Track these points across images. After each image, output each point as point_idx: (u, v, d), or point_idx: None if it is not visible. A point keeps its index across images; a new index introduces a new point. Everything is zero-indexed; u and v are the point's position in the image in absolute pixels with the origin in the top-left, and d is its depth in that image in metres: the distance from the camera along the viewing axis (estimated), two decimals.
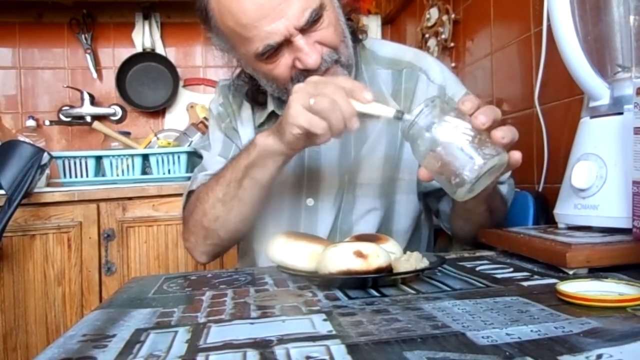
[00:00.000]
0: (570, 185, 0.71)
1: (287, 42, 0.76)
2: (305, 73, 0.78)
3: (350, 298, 0.54)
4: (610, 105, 0.69)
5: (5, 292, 1.46)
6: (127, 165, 1.64)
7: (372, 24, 2.18)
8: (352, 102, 0.66)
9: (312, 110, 0.66)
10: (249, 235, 0.94)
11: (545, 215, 0.99)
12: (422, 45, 1.76)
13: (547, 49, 1.08)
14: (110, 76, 2.10)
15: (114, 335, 0.45)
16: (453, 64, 1.60)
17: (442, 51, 1.66)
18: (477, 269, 0.66)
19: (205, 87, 2.19)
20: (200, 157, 1.02)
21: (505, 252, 0.75)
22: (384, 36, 2.22)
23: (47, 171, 1.56)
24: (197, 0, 0.82)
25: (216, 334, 0.44)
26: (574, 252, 0.59)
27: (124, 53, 2.09)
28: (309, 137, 0.69)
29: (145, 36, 2.09)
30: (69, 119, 2.06)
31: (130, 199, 1.56)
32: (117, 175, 1.64)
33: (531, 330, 0.40)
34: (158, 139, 1.88)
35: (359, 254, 0.57)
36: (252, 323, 0.47)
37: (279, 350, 0.39)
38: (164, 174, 1.64)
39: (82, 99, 2.05)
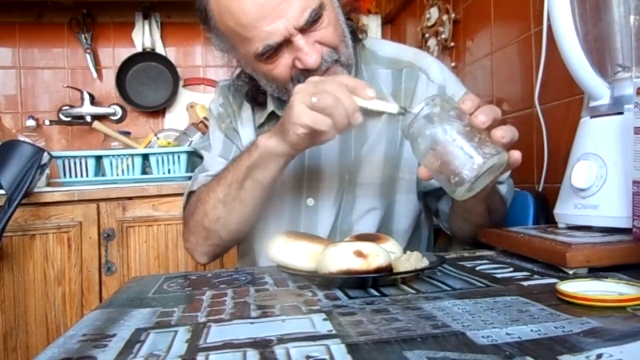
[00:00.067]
0: (570, 185, 0.71)
1: (287, 42, 0.76)
2: (305, 73, 0.78)
3: (350, 298, 0.54)
4: (611, 105, 0.69)
5: (5, 292, 1.46)
6: (127, 165, 1.64)
7: (372, 24, 2.18)
8: (355, 98, 0.66)
9: (316, 108, 0.66)
10: (249, 236, 0.94)
11: (545, 215, 0.99)
12: (422, 45, 1.76)
13: (547, 48, 1.08)
14: (110, 76, 2.10)
15: (114, 335, 0.45)
16: (453, 64, 1.60)
17: (442, 51, 1.66)
18: (477, 268, 0.66)
19: (205, 86, 2.19)
20: (201, 157, 1.02)
21: (505, 252, 0.75)
22: (384, 36, 2.22)
23: (47, 171, 1.56)
24: (196, 1, 0.82)
25: (216, 334, 0.44)
26: (574, 252, 0.59)
27: (124, 53, 2.09)
28: (312, 136, 0.70)
29: (145, 36, 2.09)
30: (69, 119, 2.06)
31: (130, 198, 1.56)
32: (117, 175, 1.64)
33: (531, 330, 0.40)
34: (158, 138, 1.88)
35: (359, 254, 0.57)
36: (252, 323, 0.47)
37: (278, 350, 0.39)
38: (164, 173, 1.64)
39: (82, 99, 2.05)
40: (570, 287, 0.49)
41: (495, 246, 0.77)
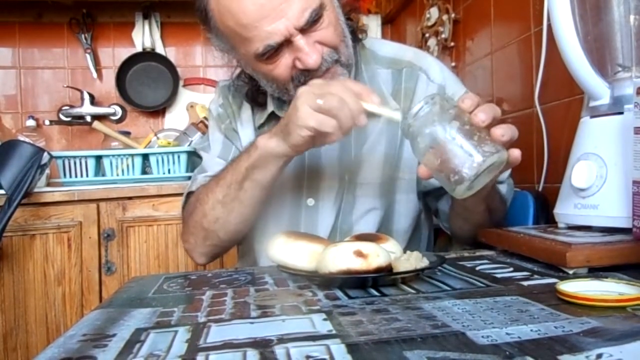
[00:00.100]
0: (570, 185, 0.71)
1: (287, 42, 0.76)
2: (306, 73, 0.78)
3: (350, 297, 0.54)
4: (611, 105, 0.69)
5: (5, 292, 1.46)
6: (127, 165, 1.64)
7: (372, 24, 2.18)
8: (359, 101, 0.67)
9: (321, 109, 0.66)
10: (249, 236, 0.94)
11: (545, 214, 0.99)
12: (422, 44, 1.76)
13: (547, 48, 1.08)
14: (110, 76, 2.10)
15: (114, 335, 0.45)
16: (453, 64, 1.60)
17: (442, 51, 1.66)
18: (477, 268, 0.66)
19: (205, 86, 2.19)
20: (200, 157, 1.02)
21: (505, 252, 0.75)
22: (384, 36, 2.22)
23: (47, 171, 1.56)
24: (196, 1, 0.82)
25: (216, 334, 0.44)
26: (574, 252, 0.58)
27: (124, 53, 2.09)
28: (316, 138, 0.70)
29: (145, 36, 2.09)
30: (69, 119, 2.06)
31: (130, 198, 1.56)
32: (117, 175, 1.64)
33: (531, 330, 0.40)
34: (158, 138, 1.88)
35: (359, 254, 0.57)
36: (252, 322, 0.47)
37: (278, 350, 0.39)
38: (164, 173, 1.65)
39: (82, 99, 2.05)
40: (570, 287, 0.49)
41: (495, 246, 0.77)
